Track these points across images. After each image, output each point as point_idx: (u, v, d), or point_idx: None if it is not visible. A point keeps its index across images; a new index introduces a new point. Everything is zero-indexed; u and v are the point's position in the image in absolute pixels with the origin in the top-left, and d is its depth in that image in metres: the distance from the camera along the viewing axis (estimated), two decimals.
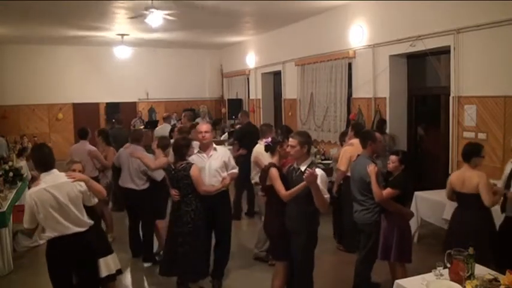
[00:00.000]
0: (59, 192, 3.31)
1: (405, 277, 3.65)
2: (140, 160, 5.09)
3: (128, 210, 5.68)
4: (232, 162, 4.75)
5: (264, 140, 4.08)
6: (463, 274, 2.86)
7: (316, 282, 3.94)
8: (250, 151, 7.63)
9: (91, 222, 3.50)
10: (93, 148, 6.26)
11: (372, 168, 4.09)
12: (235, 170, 4.73)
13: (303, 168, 3.71)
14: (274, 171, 3.75)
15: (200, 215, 4.40)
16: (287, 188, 3.69)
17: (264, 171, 3.85)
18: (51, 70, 13.56)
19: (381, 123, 7.30)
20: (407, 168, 4.06)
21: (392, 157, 4.09)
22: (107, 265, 3.61)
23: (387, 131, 7.41)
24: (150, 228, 5.50)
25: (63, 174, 3.42)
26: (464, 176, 3.88)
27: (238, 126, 8.33)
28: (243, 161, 7.43)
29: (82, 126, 6.91)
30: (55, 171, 3.43)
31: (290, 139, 3.80)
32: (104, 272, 3.60)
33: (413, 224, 5.81)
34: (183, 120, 8.62)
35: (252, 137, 7.86)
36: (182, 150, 4.45)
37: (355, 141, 5.34)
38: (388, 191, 3.97)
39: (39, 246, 6.14)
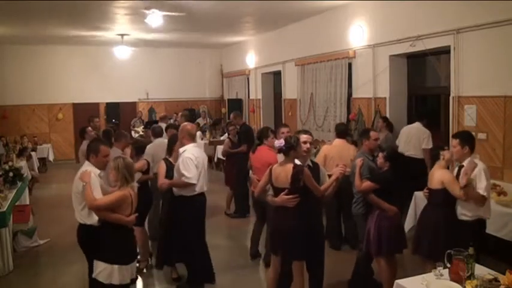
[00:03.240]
0: (74, 182, 3.75)
1: (388, 273, 4.00)
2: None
3: None
4: (181, 169, 4.45)
5: (277, 142, 3.95)
6: (463, 274, 2.86)
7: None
8: (247, 152, 7.69)
9: (85, 221, 3.67)
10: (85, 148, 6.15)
11: (357, 161, 4.37)
12: (183, 178, 4.44)
13: (310, 163, 4.00)
14: (308, 172, 3.82)
15: (169, 209, 4.79)
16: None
17: (299, 173, 3.74)
18: (51, 70, 13.56)
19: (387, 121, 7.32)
20: (394, 166, 4.13)
21: (380, 153, 4.26)
22: (99, 269, 3.50)
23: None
24: None
25: (83, 169, 3.70)
26: (432, 172, 4.06)
27: (231, 127, 8.20)
28: (241, 161, 7.47)
29: (82, 126, 6.84)
30: (86, 163, 3.82)
31: (306, 136, 4.03)
32: (94, 273, 3.55)
33: (411, 222, 5.85)
34: (180, 120, 8.49)
35: (250, 138, 7.92)
36: (169, 145, 4.98)
37: (335, 140, 5.89)
38: (366, 183, 4.16)
39: (39, 246, 6.16)
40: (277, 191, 3.82)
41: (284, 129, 5.24)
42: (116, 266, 3.44)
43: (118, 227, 3.50)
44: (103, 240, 3.53)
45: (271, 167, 3.91)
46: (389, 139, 7.07)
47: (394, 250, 4.17)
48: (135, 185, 3.63)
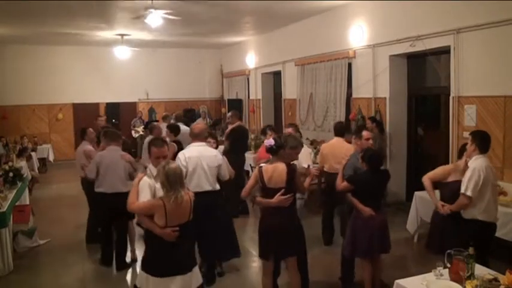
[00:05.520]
0: None
1: (366, 273, 4.12)
2: (130, 163, 5.32)
3: (107, 218, 5.34)
4: None
5: (266, 141, 3.99)
6: (463, 274, 2.86)
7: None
8: (242, 152, 7.71)
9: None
10: (88, 148, 6.15)
11: (342, 161, 4.55)
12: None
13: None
14: (297, 170, 4.00)
15: None
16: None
17: (293, 172, 3.85)
18: (51, 70, 13.56)
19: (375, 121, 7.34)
20: (372, 169, 4.09)
21: (360, 154, 4.29)
22: (138, 274, 3.46)
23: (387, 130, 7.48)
24: (126, 232, 5.47)
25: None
26: None
27: (229, 126, 8.17)
28: (234, 161, 7.46)
29: (83, 127, 6.79)
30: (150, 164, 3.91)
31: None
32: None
33: (413, 224, 5.86)
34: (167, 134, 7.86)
35: (244, 139, 7.93)
36: None
37: (334, 139, 5.93)
38: (343, 183, 4.23)
39: (39, 246, 6.16)
40: (271, 192, 3.78)
41: (287, 130, 5.26)
42: (145, 275, 3.26)
43: (155, 236, 3.25)
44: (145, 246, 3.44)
45: (260, 168, 3.88)
46: (378, 140, 7.07)
47: (367, 253, 4.13)
48: (182, 194, 3.24)
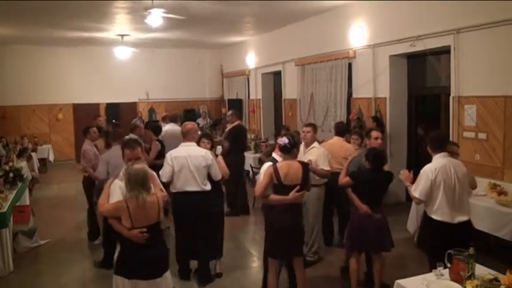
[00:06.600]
0: None
1: (354, 266, 4.21)
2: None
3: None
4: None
5: (280, 140, 3.98)
6: (464, 274, 2.86)
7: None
8: (241, 152, 7.73)
9: None
10: (86, 148, 6.20)
11: (350, 157, 4.67)
12: None
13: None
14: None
15: None
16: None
17: (308, 168, 3.99)
18: (51, 70, 13.55)
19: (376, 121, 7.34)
20: (374, 167, 4.14)
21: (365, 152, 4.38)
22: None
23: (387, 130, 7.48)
24: None
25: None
26: None
27: (227, 125, 8.18)
28: (232, 160, 7.46)
29: (86, 126, 6.82)
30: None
31: None
32: None
33: (413, 224, 5.86)
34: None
35: (242, 138, 7.93)
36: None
37: (333, 138, 6.02)
38: (345, 178, 4.31)
39: (40, 246, 6.16)
40: (287, 189, 3.81)
41: (305, 129, 5.31)
42: (114, 276, 3.24)
43: (125, 238, 3.22)
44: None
45: (275, 166, 3.88)
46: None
47: (361, 248, 4.25)
48: (144, 196, 3.19)
